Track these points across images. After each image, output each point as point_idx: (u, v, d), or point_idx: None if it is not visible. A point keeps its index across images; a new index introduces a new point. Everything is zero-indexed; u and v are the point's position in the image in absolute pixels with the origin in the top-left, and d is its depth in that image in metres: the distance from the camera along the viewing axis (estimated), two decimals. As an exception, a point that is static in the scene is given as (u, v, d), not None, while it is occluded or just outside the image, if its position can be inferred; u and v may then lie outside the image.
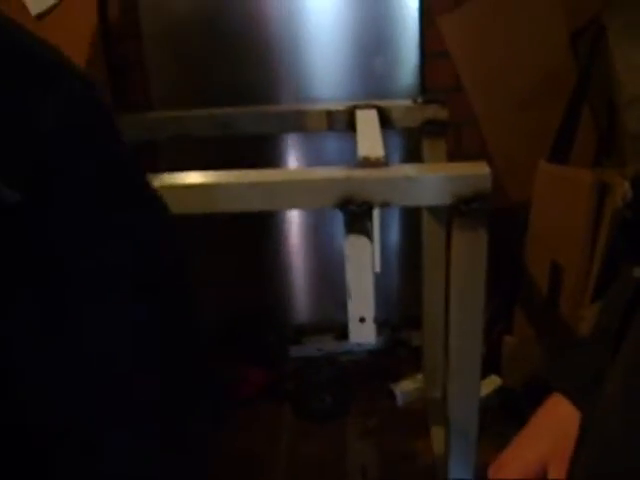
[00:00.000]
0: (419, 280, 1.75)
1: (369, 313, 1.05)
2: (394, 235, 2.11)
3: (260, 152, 1.98)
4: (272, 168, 1.97)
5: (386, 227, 2.03)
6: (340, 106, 1.51)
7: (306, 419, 1.88)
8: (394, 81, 1.94)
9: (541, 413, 0.82)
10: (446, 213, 1.55)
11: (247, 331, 2.12)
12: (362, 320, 1.05)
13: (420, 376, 1.93)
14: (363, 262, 1.01)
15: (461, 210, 1.00)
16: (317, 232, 2.11)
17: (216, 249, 2.09)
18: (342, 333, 2.05)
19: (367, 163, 1.05)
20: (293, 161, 2.01)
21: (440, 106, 1.48)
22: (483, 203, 0.99)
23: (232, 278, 2.13)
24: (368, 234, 1.00)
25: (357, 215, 0.99)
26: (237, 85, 1.92)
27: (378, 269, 1.11)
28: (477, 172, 0.99)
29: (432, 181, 1.00)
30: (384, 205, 1.01)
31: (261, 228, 2.10)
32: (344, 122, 1.48)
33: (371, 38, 1.92)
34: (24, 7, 1.85)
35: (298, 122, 1.53)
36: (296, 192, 1.01)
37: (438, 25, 1.91)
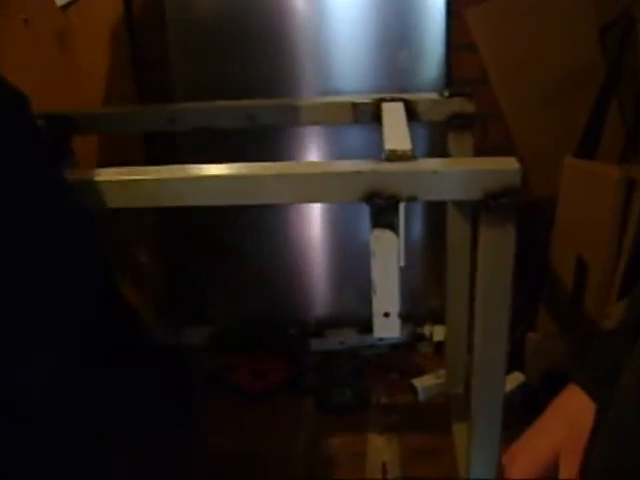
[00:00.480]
0: (441, 274, 1.74)
1: (394, 308, 1.04)
2: (416, 227, 2.09)
3: (284, 145, 1.98)
4: (296, 161, 1.96)
5: (408, 219, 2.01)
6: (366, 99, 1.49)
7: (326, 413, 1.87)
8: (419, 74, 1.92)
9: (556, 404, 0.82)
10: (471, 207, 1.53)
11: (268, 324, 2.12)
12: (387, 315, 1.04)
13: (442, 371, 1.92)
14: (389, 257, 1.00)
15: (489, 205, 0.98)
16: (340, 224, 2.10)
17: (237, 241, 2.09)
18: (364, 327, 2.05)
19: (394, 156, 1.03)
20: (316, 154, 2.00)
21: (467, 99, 1.46)
22: (512, 198, 0.97)
23: (254, 270, 2.13)
24: (394, 228, 0.99)
25: (383, 209, 0.98)
26: (261, 78, 1.91)
27: (403, 263, 1.09)
28: (507, 167, 0.97)
29: (461, 175, 0.99)
30: (411, 199, 0.99)
31: (283, 220, 2.09)
32: (370, 114, 1.46)
33: (396, 30, 1.90)
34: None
35: (323, 114, 1.51)
36: (322, 185, 1.00)
37: (465, 18, 1.89)
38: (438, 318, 2.00)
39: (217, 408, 1.85)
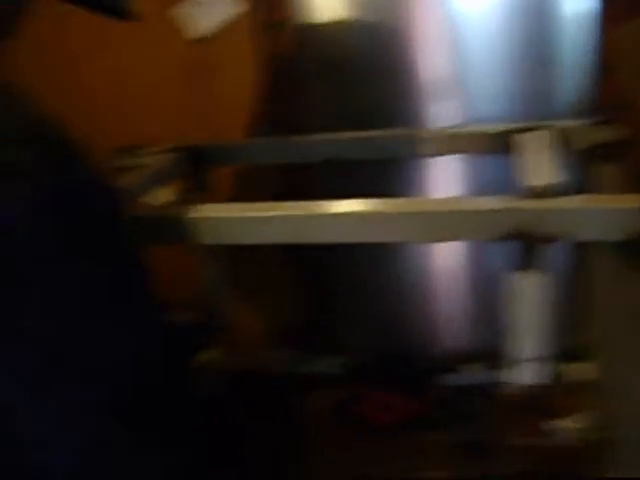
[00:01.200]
0: (580, 312, 1.64)
1: (538, 352, 0.98)
2: (558, 259, 1.99)
3: (413, 177, 1.93)
4: (423, 195, 1.91)
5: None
6: (502, 127, 1.43)
7: (456, 451, 1.80)
8: (561, 99, 1.83)
9: None
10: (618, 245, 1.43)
11: (399, 358, 2.09)
12: (529, 360, 0.99)
13: (582, 414, 1.81)
14: (534, 299, 0.94)
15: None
16: (474, 255, 2.03)
17: (370, 272, 2.07)
18: (498, 363, 1.96)
19: (537, 192, 0.97)
20: (450, 187, 1.94)
21: (615, 127, 1.37)
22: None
23: (387, 304, 2.10)
24: (540, 269, 0.93)
25: (528, 249, 0.92)
26: (391, 109, 1.88)
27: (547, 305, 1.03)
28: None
29: (611, 214, 0.91)
30: (555, 239, 0.93)
31: (416, 251, 2.05)
32: (507, 145, 1.39)
33: (536, 51, 1.82)
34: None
35: (458, 144, 1.47)
36: (460, 224, 0.95)
37: (612, 39, 1.79)
38: (579, 356, 1.89)
39: (339, 438, 1.83)
